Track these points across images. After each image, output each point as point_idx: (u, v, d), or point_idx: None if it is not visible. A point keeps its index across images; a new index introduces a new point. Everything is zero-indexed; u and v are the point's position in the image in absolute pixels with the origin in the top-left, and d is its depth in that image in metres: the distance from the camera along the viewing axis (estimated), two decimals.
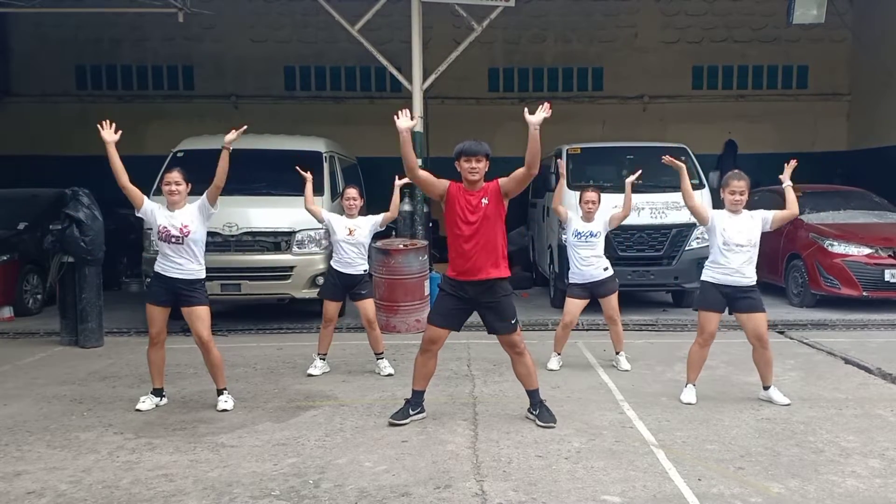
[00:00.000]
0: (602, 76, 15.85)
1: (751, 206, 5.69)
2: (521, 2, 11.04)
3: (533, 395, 5.23)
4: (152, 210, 5.48)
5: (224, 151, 5.39)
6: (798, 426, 5.11)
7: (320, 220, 6.73)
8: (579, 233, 6.64)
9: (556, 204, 6.85)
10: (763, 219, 5.54)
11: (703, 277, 5.68)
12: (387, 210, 6.73)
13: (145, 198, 5.52)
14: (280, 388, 6.20)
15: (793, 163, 5.69)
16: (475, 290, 4.95)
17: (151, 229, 5.61)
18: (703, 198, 9.69)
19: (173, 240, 5.37)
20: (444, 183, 5.00)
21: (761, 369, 5.69)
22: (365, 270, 6.60)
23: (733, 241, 5.44)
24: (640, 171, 6.81)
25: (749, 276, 5.50)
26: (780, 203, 10.99)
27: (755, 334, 5.56)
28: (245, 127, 5.59)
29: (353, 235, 6.47)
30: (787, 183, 5.68)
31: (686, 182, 5.64)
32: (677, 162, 5.66)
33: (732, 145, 14.61)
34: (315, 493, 4.01)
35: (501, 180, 4.94)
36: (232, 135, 5.40)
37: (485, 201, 4.88)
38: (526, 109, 4.84)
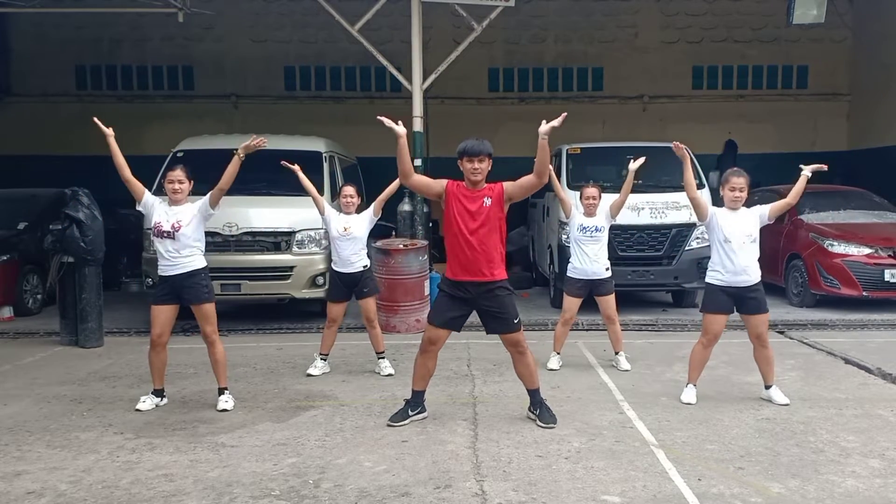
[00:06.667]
0: (602, 76, 15.85)
1: (751, 206, 5.69)
2: (521, 2, 11.03)
3: (534, 394, 5.23)
4: (153, 204, 5.51)
5: (235, 158, 5.40)
6: (798, 426, 5.10)
7: (322, 211, 6.70)
8: (584, 227, 6.66)
9: (560, 191, 7.00)
10: (760, 215, 5.53)
11: (707, 280, 5.67)
12: (385, 216, 6.72)
13: (147, 191, 5.56)
14: (280, 388, 6.20)
15: (822, 166, 5.66)
16: (475, 290, 4.94)
17: (150, 228, 5.63)
18: (702, 198, 9.70)
19: (165, 234, 5.38)
20: (440, 183, 4.99)
21: (762, 368, 5.70)
22: (365, 266, 6.59)
23: (733, 237, 5.42)
24: (643, 158, 6.74)
25: (752, 275, 5.48)
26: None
27: (755, 333, 5.58)
28: (264, 141, 5.49)
29: (348, 232, 6.47)
30: (806, 172, 5.61)
31: (689, 173, 5.60)
32: (682, 149, 5.62)
33: (732, 145, 14.61)
34: (315, 493, 4.01)
35: (506, 185, 4.90)
36: (249, 142, 5.39)
37: (487, 202, 4.85)
38: (544, 122, 4.68)
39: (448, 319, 5.05)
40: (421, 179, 5.07)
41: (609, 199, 6.77)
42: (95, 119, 5.54)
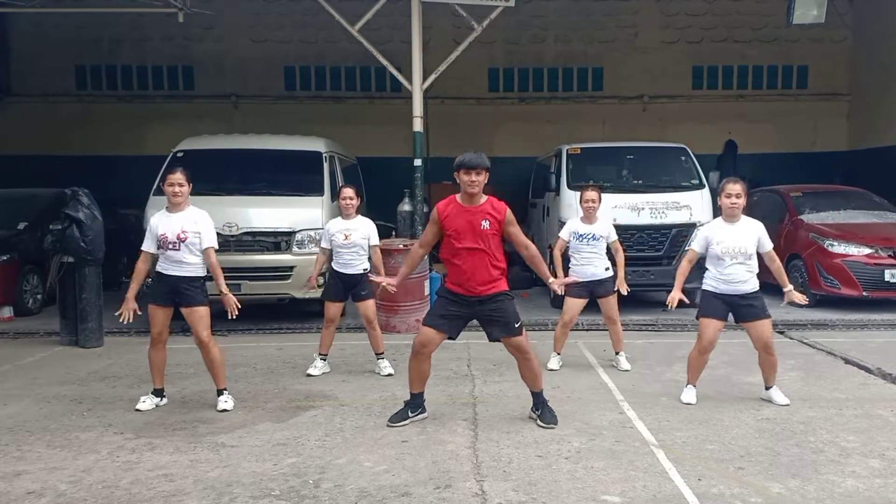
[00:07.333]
0: (602, 76, 15.85)
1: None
2: (521, 2, 11.03)
3: (537, 396, 5.22)
4: (153, 225, 5.48)
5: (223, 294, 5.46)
6: (798, 426, 5.11)
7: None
8: (581, 235, 6.62)
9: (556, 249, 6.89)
10: (761, 239, 5.47)
11: (703, 287, 5.66)
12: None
13: (143, 245, 5.53)
14: (280, 388, 6.20)
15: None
16: (476, 300, 4.94)
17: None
18: (703, 198, 9.71)
19: (171, 246, 5.39)
20: (433, 220, 4.99)
21: (765, 371, 5.69)
22: (365, 270, 6.61)
23: (727, 254, 5.41)
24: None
25: (749, 283, 5.47)
26: (779, 205, 10.95)
27: (760, 342, 5.53)
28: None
29: (349, 239, 6.49)
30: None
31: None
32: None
33: (732, 145, 14.62)
34: (315, 493, 4.01)
35: (509, 218, 4.91)
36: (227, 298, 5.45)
37: (485, 224, 4.84)
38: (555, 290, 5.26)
39: (445, 324, 5.02)
40: (426, 243, 5.14)
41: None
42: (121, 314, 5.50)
